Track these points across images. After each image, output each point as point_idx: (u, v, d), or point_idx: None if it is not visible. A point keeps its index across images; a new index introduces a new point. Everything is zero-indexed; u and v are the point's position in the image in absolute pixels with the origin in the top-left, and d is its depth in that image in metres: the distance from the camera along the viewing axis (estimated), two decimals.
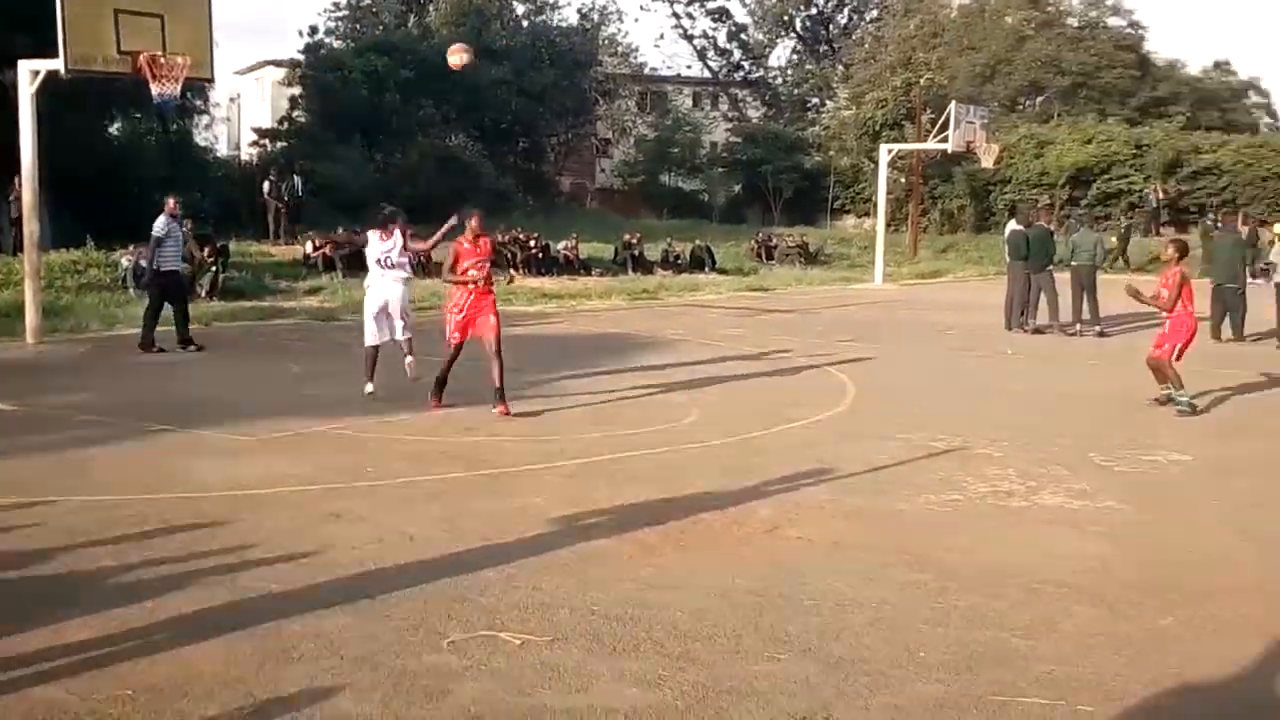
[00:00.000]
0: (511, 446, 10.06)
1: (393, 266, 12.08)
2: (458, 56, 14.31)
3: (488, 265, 11.55)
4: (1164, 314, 12.36)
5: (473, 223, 11.51)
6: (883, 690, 5.08)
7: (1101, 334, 19.23)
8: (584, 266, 29.54)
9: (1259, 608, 6.29)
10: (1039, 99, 54.90)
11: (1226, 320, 18.92)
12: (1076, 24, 56.49)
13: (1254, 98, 60.55)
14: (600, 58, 55.61)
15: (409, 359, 12.10)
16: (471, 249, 11.43)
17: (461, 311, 11.42)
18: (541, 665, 5.26)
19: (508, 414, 11.10)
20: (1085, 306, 19.65)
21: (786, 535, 7.49)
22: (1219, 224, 25.25)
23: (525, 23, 51.95)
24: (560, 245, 29.74)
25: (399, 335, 12.19)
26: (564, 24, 53.67)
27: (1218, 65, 60.78)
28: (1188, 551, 7.37)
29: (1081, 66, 52.50)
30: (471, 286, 11.36)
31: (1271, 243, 21.34)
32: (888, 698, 5.00)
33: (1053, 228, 22.28)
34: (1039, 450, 10.18)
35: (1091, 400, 13.12)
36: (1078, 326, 19.57)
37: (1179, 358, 12.28)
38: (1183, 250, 12.63)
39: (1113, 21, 56.67)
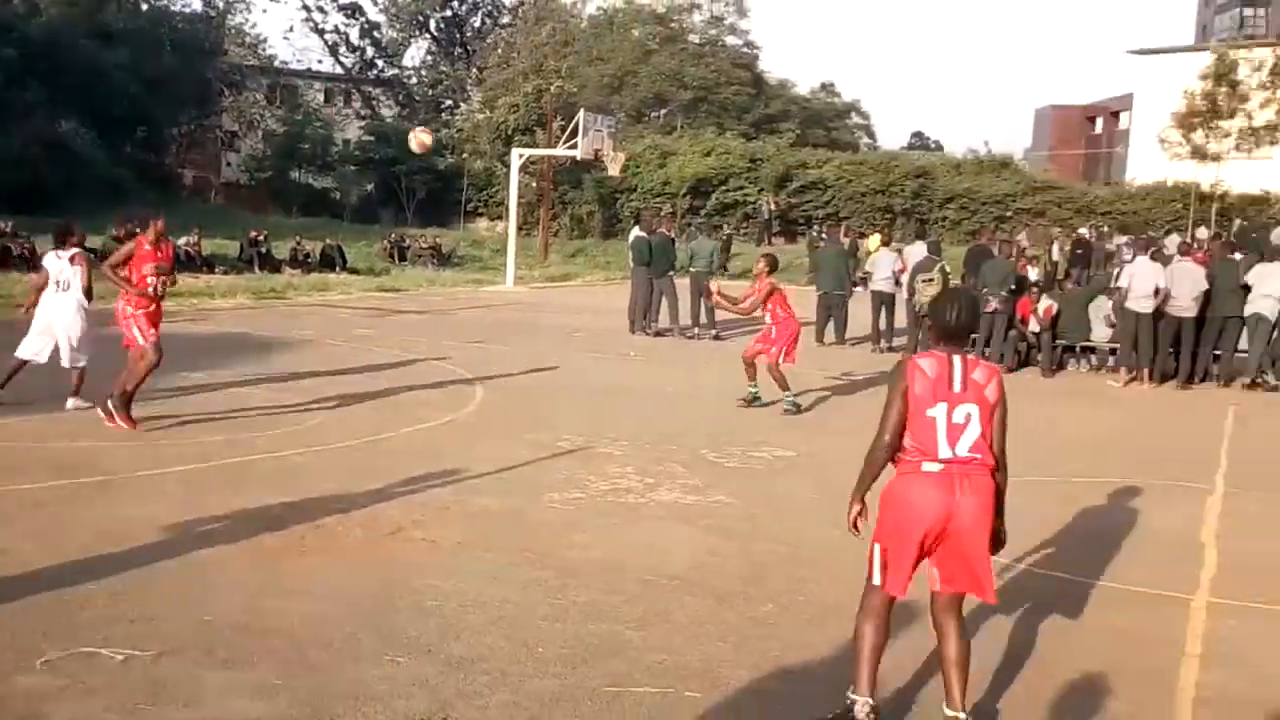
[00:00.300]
0: (124, 452, 9.53)
1: (66, 288, 11.05)
2: (419, 140, 13.62)
3: (170, 273, 10.92)
4: (770, 321, 13.12)
5: (158, 225, 10.77)
6: (501, 687, 5.16)
7: (717, 337, 20.19)
8: (207, 263, 28.35)
9: (848, 594, 6.78)
10: (663, 111, 57.03)
11: (830, 325, 20.29)
12: (698, 41, 59.12)
13: (855, 119, 65.37)
14: (226, 47, 53.48)
15: (71, 401, 10.98)
16: (152, 252, 10.65)
17: (143, 310, 10.57)
18: (147, 680, 5.03)
19: (120, 426, 10.39)
20: (702, 311, 20.58)
21: (411, 537, 7.47)
22: (824, 235, 27.01)
23: (145, 6, 49.28)
24: (181, 241, 28.35)
25: (66, 362, 11.11)
26: (187, 9, 51.33)
27: (824, 87, 65.29)
28: (789, 542, 7.86)
29: (703, 81, 54.98)
30: (151, 294, 10.60)
31: (869, 253, 23.08)
32: (506, 695, 5.09)
33: (674, 235, 23.21)
34: (658, 448, 10.60)
35: (707, 400, 13.78)
36: (695, 330, 20.49)
37: (789, 357, 13.07)
38: (773, 264, 13.46)
39: (730, 40, 59.79)
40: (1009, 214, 43.40)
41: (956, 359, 4.79)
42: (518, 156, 33.63)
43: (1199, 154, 39.93)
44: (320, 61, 67.61)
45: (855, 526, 5.00)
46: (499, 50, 61.00)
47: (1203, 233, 35.43)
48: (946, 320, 4.86)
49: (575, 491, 8.89)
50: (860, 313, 20.51)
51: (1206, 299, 16.25)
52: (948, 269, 18.69)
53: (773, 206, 43.76)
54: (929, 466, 4.72)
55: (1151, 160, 43.99)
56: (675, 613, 6.28)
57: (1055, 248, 31.51)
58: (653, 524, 8.16)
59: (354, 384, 13.50)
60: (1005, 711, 5.25)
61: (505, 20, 67.23)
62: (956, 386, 4.73)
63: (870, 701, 4.80)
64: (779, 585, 6.87)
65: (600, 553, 7.33)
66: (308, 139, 52.54)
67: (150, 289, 10.62)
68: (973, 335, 5.04)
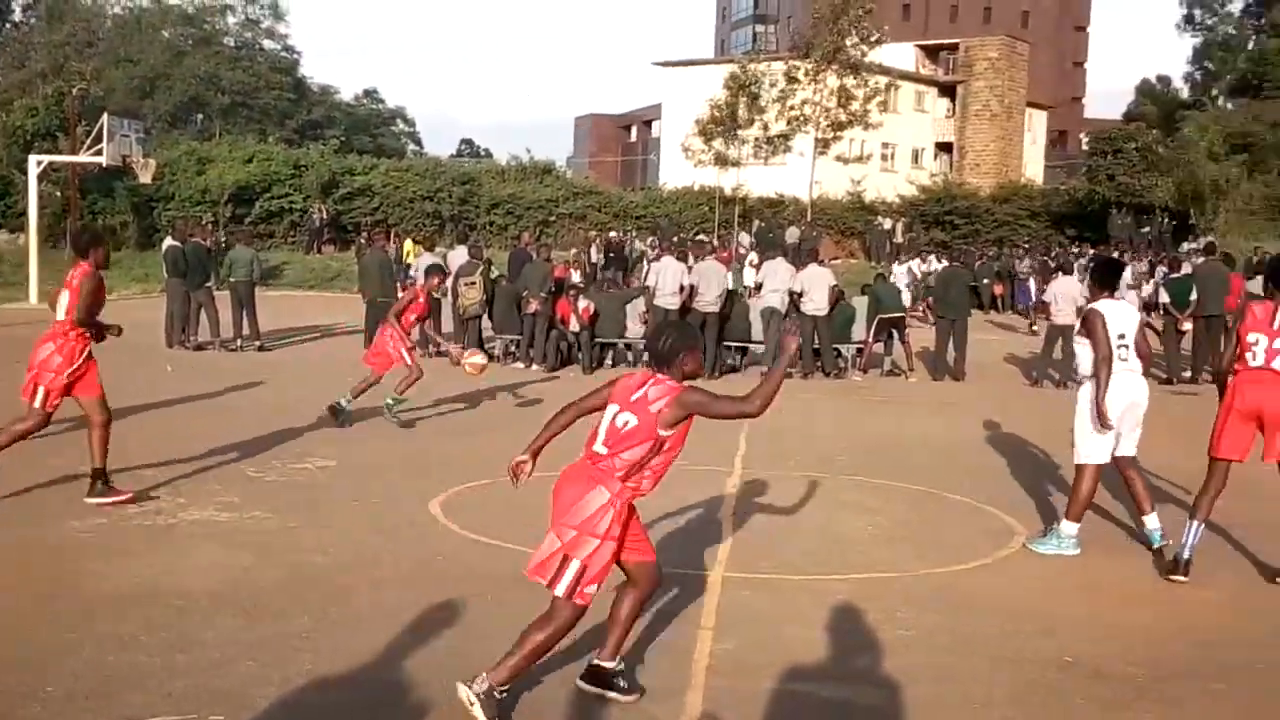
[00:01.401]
0: None
1: None
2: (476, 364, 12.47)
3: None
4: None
5: (100, 256, 8.85)
6: None
7: (262, 348, 19.62)
8: None
9: (389, 597, 6.82)
10: (200, 116, 54.74)
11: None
12: (233, 44, 57.18)
13: (401, 125, 65.37)
14: None
15: None
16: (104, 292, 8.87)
17: (66, 367, 8.72)
18: None
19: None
20: (245, 322, 19.93)
21: None
22: (370, 242, 26.83)
23: None
24: None
25: None
26: None
27: (368, 93, 64.86)
28: (329, 552, 7.77)
29: (241, 86, 53.28)
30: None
31: (414, 255, 23.21)
32: None
33: (210, 244, 22.33)
34: (192, 466, 10.16)
35: (249, 414, 13.33)
36: (238, 342, 19.81)
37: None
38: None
39: (268, 44, 58.25)
40: (552, 219, 44.79)
41: (651, 379, 5.31)
42: (36, 164, 31.21)
43: (721, 160, 42.81)
44: None
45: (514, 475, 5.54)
46: (11, 50, 56.36)
47: (744, 238, 38.20)
48: (654, 346, 5.44)
49: (99, 517, 8.39)
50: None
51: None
52: (491, 272, 19.07)
53: (323, 214, 42.96)
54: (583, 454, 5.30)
55: (681, 166, 46.77)
56: (203, 635, 6.06)
57: (593, 249, 32.88)
58: (184, 545, 7.82)
59: None
60: (536, 696, 5.43)
61: (16, 17, 62.21)
62: (633, 399, 5.24)
63: None
64: (316, 597, 6.78)
65: (125, 579, 6.96)
66: None
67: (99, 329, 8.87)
68: (681, 358, 5.37)
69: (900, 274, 27.96)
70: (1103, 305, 8.31)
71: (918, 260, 30.52)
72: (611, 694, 5.40)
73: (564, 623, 5.12)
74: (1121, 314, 8.30)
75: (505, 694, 5.06)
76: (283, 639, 6.06)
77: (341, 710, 5.27)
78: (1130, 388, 8.18)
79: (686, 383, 5.33)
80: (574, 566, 5.05)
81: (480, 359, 12.84)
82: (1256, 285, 19.75)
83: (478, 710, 4.94)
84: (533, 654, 5.10)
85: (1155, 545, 8.18)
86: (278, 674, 5.56)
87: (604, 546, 5.10)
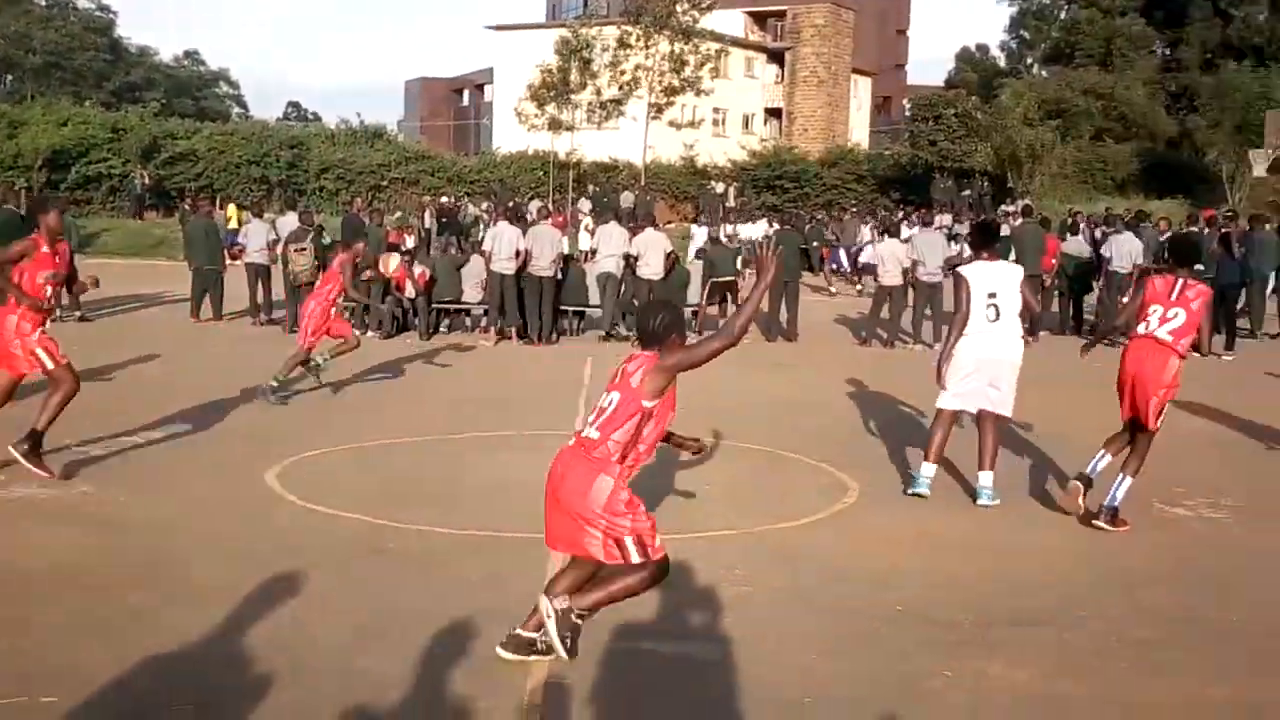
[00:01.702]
0: None
1: None
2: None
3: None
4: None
5: (51, 220, 8.64)
6: None
7: (83, 319, 18.92)
8: None
9: (227, 570, 6.69)
10: (10, 78, 52.34)
11: (206, 299, 19.64)
12: (44, 2, 54.75)
13: (225, 88, 63.44)
14: None
15: None
16: (49, 255, 8.56)
17: (35, 329, 8.60)
18: None
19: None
20: (64, 293, 19.16)
21: None
22: (195, 208, 26.03)
23: None
24: None
25: None
26: None
27: (188, 55, 62.71)
28: (162, 527, 7.57)
29: (54, 46, 51.04)
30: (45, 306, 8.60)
31: (238, 220, 22.63)
32: None
33: (22, 211, 21.39)
34: (13, 441, 9.78)
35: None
36: (58, 312, 19.02)
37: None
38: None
39: (83, 3, 55.85)
40: (384, 184, 44.09)
41: (638, 357, 5.32)
42: None
43: (554, 125, 42.64)
44: None
45: None
46: None
47: (585, 204, 38.25)
48: (646, 324, 5.42)
49: None
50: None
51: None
52: (323, 239, 18.72)
53: (145, 180, 41.47)
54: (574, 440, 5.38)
55: (514, 131, 46.45)
56: (35, 616, 5.88)
57: (427, 215, 32.56)
58: (8, 523, 7.57)
59: None
60: (374, 669, 5.42)
61: None
62: (618, 378, 5.30)
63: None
64: (152, 573, 6.63)
65: None
66: None
67: (45, 300, 8.66)
68: (672, 338, 5.33)
69: (699, 235, 28.54)
70: (971, 268, 8.65)
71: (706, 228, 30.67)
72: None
73: (650, 575, 5.23)
74: (993, 274, 8.59)
75: (582, 619, 5.21)
76: (118, 617, 5.93)
77: (182, 687, 5.17)
78: (992, 345, 8.46)
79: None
80: (630, 541, 5.15)
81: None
82: (1071, 246, 20.66)
83: (551, 625, 5.13)
84: (612, 596, 5.26)
85: (978, 500, 8.54)
86: (114, 653, 5.42)
87: (637, 513, 5.19)
